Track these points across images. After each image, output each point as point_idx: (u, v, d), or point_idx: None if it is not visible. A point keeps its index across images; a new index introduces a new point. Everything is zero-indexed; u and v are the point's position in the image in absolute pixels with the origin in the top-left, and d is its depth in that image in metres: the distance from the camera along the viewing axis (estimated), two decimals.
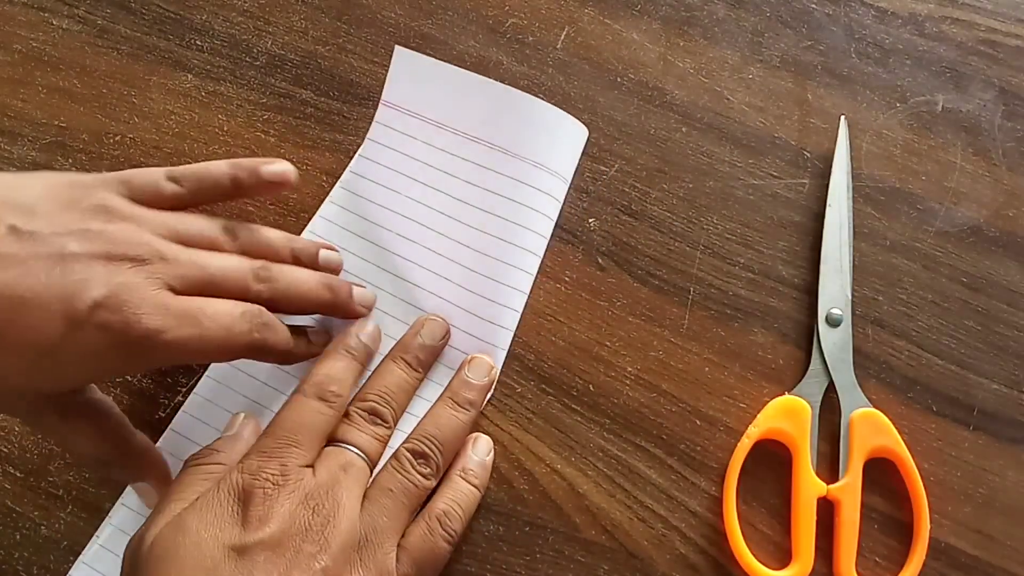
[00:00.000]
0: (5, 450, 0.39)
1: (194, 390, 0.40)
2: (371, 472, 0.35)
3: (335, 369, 0.37)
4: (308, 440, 0.34)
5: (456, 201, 0.42)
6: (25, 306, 0.29)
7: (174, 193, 0.36)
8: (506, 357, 0.40)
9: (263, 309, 0.35)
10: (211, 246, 0.36)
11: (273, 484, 0.32)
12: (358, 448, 0.35)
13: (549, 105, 0.42)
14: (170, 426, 0.39)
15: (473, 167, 0.42)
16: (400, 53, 0.44)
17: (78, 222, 0.32)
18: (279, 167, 0.38)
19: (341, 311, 0.39)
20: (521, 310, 0.41)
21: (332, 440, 0.35)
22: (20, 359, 0.30)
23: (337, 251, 0.41)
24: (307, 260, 0.39)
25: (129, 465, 0.36)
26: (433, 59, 0.44)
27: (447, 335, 0.40)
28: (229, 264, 0.35)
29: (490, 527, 0.38)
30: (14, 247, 0.30)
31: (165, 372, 0.40)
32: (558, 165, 0.42)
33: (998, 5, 0.46)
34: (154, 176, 0.36)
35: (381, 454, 0.36)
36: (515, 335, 0.40)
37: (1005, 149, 0.43)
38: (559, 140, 0.42)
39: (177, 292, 0.33)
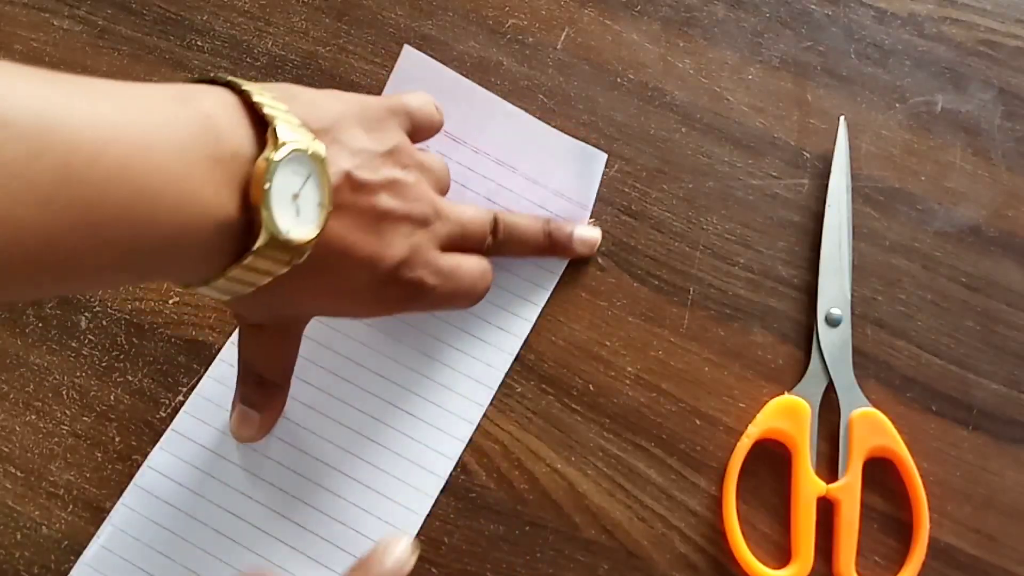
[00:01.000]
0: (6, 450, 0.39)
1: (195, 390, 0.40)
2: None
3: None
4: None
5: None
6: (347, 256, 0.32)
7: (438, 127, 0.39)
8: (513, 362, 0.40)
9: (490, 266, 0.38)
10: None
11: None
12: None
13: (570, 137, 0.43)
14: (171, 426, 0.39)
15: (498, 187, 0.42)
16: (409, 54, 0.43)
17: (386, 168, 0.34)
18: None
19: (561, 254, 0.41)
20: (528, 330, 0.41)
21: None
22: (329, 299, 0.34)
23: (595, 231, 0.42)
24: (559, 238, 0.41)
25: (270, 395, 0.38)
26: (445, 67, 0.43)
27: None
28: (475, 217, 0.38)
29: (490, 527, 0.38)
30: (349, 197, 0.32)
31: (166, 372, 0.40)
32: (582, 196, 0.42)
33: (997, 5, 0.46)
34: (430, 109, 0.38)
35: None
36: None
37: (1004, 149, 0.43)
38: (581, 173, 0.42)
39: (442, 249, 0.36)
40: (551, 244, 0.41)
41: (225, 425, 0.39)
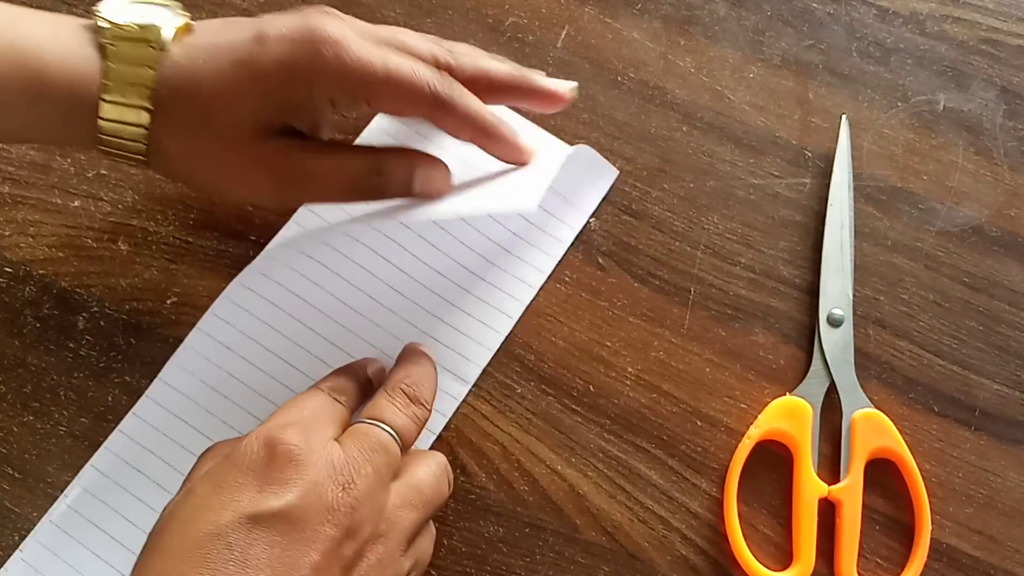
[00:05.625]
0: (4, 451, 0.39)
1: (159, 376, 0.39)
2: (401, 455, 0.33)
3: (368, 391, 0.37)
4: (322, 420, 0.32)
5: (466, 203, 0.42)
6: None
7: None
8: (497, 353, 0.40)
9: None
10: None
11: (296, 448, 0.29)
12: (392, 429, 0.33)
13: (586, 147, 0.42)
14: (146, 393, 0.39)
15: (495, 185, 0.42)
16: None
17: None
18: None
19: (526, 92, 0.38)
20: (508, 330, 0.41)
21: (363, 419, 0.33)
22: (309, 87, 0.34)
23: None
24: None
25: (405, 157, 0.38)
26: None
27: None
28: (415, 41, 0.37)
29: (490, 528, 0.38)
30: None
31: (157, 368, 0.40)
32: (583, 201, 0.42)
33: (1000, 4, 0.46)
34: None
35: (415, 438, 0.34)
36: (515, 335, 0.40)
37: (1007, 148, 0.43)
38: (587, 181, 0.42)
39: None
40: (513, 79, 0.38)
41: (197, 396, 0.39)
